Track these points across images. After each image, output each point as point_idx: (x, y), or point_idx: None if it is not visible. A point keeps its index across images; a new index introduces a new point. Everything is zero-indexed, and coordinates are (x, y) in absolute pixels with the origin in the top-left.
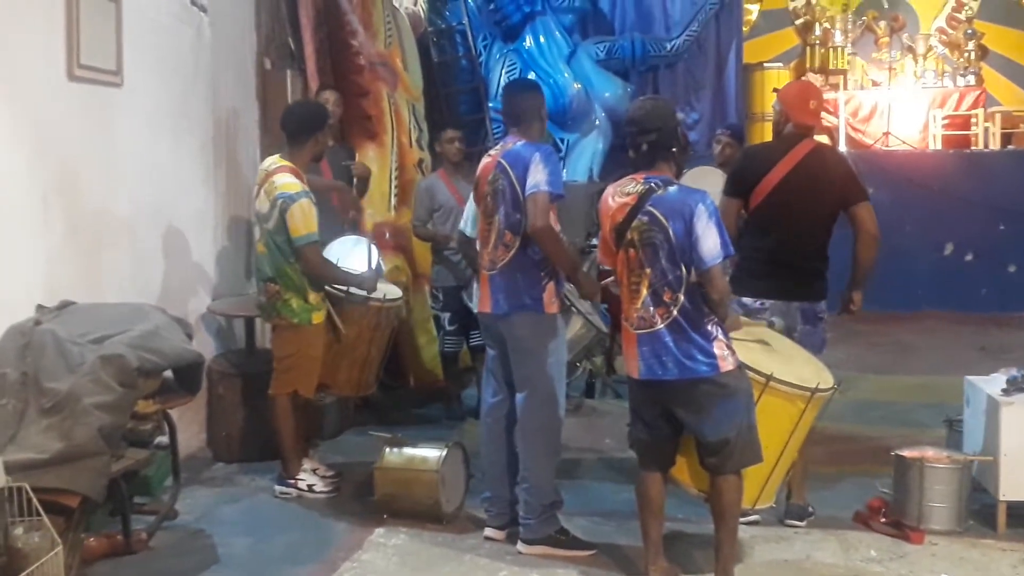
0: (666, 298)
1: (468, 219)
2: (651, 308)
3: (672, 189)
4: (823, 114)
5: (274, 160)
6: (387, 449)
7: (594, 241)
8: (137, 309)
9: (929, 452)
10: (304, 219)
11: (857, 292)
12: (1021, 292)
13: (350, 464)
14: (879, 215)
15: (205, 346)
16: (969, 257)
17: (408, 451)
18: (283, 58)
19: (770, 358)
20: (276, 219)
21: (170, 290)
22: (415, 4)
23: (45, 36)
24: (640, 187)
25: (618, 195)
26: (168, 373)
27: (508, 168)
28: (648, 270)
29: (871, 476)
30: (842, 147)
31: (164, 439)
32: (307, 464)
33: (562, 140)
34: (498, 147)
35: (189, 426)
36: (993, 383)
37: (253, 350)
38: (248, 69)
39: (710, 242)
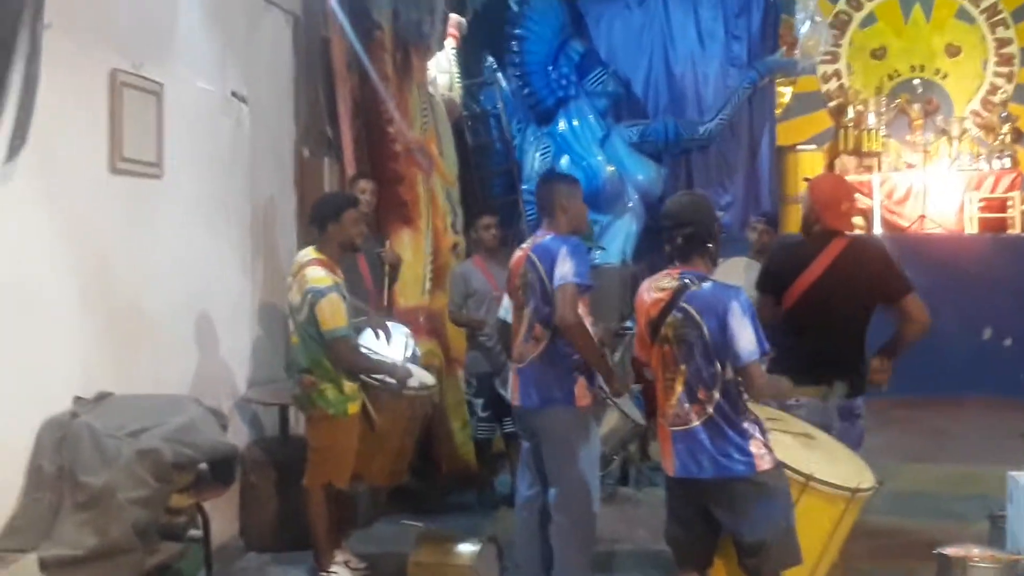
0: (701, 395)
1: (509, 307)
2: (686, 405)
3: (706, 285)
4: (857, 195)
5: (307, 253)
6: (421, 542)
7: (628, 323)
8: (173, 401)
9: (973, 550)
10: (333, 313)
11: (885, 360)
12: None
13: (383, 555)
14: None
15: (239, 434)
16: (1008, 342)
17: (442, 545)
18: (320, 147)
19: (810, 456)
20: (307, 312)
21: (205, 379)
22: (451, 90)
23: (88, 130)
24: (675, 283)
25: (653, 290)
26: (203, 465)
27: (537, 262)
28: (683, 367)
29: (913, 573)
30: (877, 229)
31: (197, 532)
32: (339, 556)
33: (595, 222)
34: (529, 240)
35: (222, 515)
36: None
37: (287, 438)
38: (286, 158)
39: (745, 339)
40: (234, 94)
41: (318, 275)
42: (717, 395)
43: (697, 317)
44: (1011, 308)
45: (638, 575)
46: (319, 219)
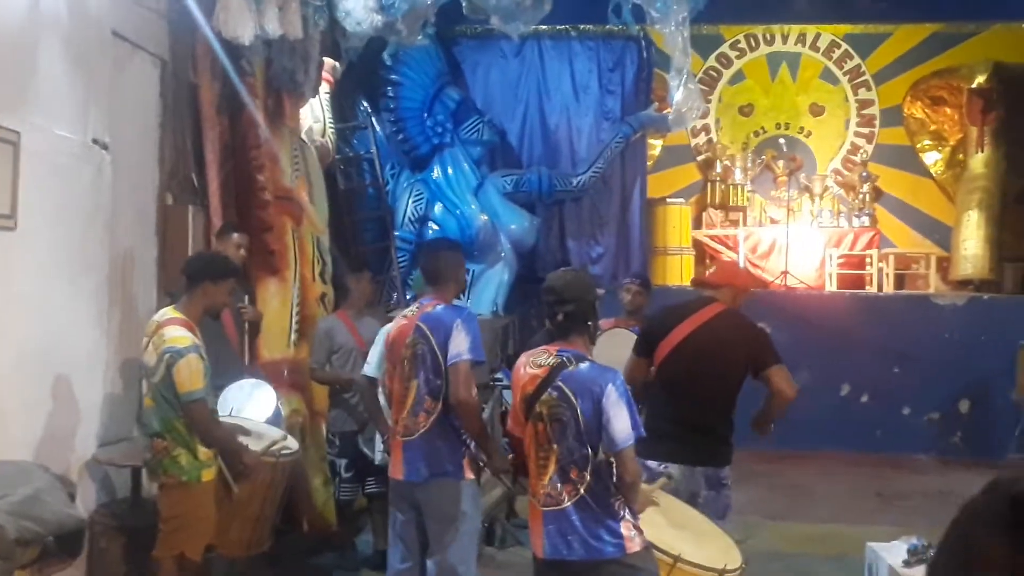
0: (573, 475)
1: (372, 362)
2: (558, 485)
3: (583, 366)
4: (723, 248)
5: (165, 312)
6: None
7: (499, 375)
8: (18, 469)
9: None
10: (191, 375)
11: (758, 429)
12: (914, 434)
13: None
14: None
15: (88, 494)
16: (865, 398)
17: None
18: (185, 193)
19: (678, 535)
20: (163, 373)
21: (55, 435)
22: (323, 135)
23: None
24: (552, 359)
25: (530, 365)
26: (49, 539)
27: (429, 333)
28: (556, 446)
29: None
30: None
31: None
32: None
33: (468, 270)
34: (414, 308)
35: None
36: (895, 552)
37: (139, 501)
38: (149, 205)
39: (620, 423)
40: (95, 141)
41: (177, 335)
42: (588, 476)
43: (572, 397)
44: (868, 366)
45: None
46: (197, 276)
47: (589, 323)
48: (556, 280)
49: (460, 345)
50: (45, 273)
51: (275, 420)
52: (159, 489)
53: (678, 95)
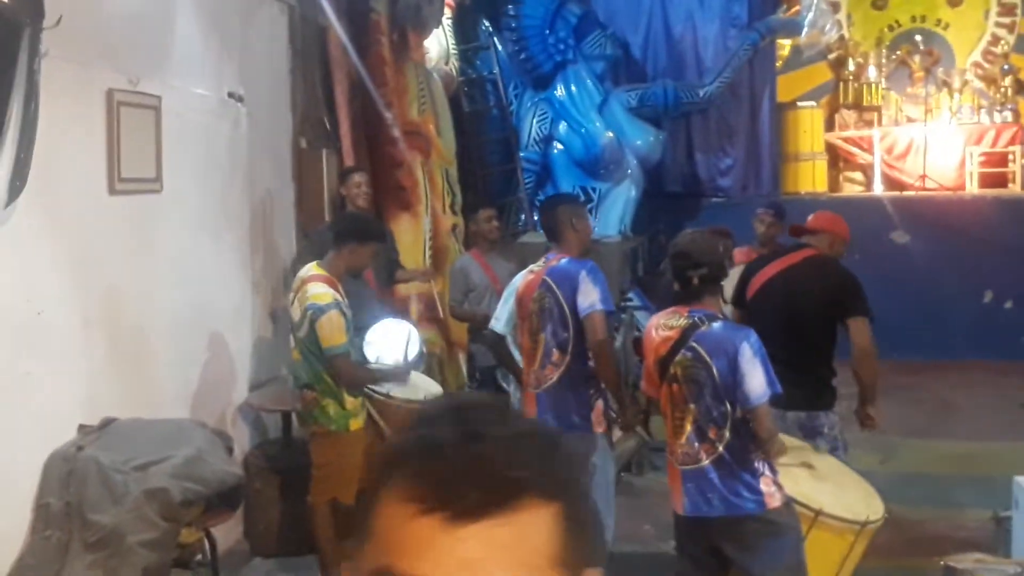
0: (711, 434)
1: (502, 318)
2: (696, 444)
3: (716, 325)
4: (857, 151)
5: (309, 268)
6: None
7: (630, 295)
8: (179, 428)
9: (977, 559)
10: (332, 331)
11: (868, 408)
12: None
13: None
14: (917, 262)
15: (242, 438)
16: (1009, 304)
17: None
18: (318, 136)
19: (819, 488)
20: (307, 328)
21: (208, 387)
22: (447, 63)
23: (86, 154)
24: (684, 321)
25: (662, 328)
26: None
27: (554, 286)
28: (692, 406)
29: (919, 572)
30: (878, 186)
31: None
32: (346, 571)
33: (594, 189)
34: (540, 263)
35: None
36: None
37: (290, 442)
38: (284, 151)
39: (755, 381)
40: (231, 95)
41: (319, 291)
42: (727, 434)
43: (707, 357)
44: (1012, 271)
45: None
46: (344, 235)
47: (721, 283)
48: (685, 243)
49: (590, 296)
50: (191, 231)
51: (417, 360)
52: (309, 437)
53: (808, 15)
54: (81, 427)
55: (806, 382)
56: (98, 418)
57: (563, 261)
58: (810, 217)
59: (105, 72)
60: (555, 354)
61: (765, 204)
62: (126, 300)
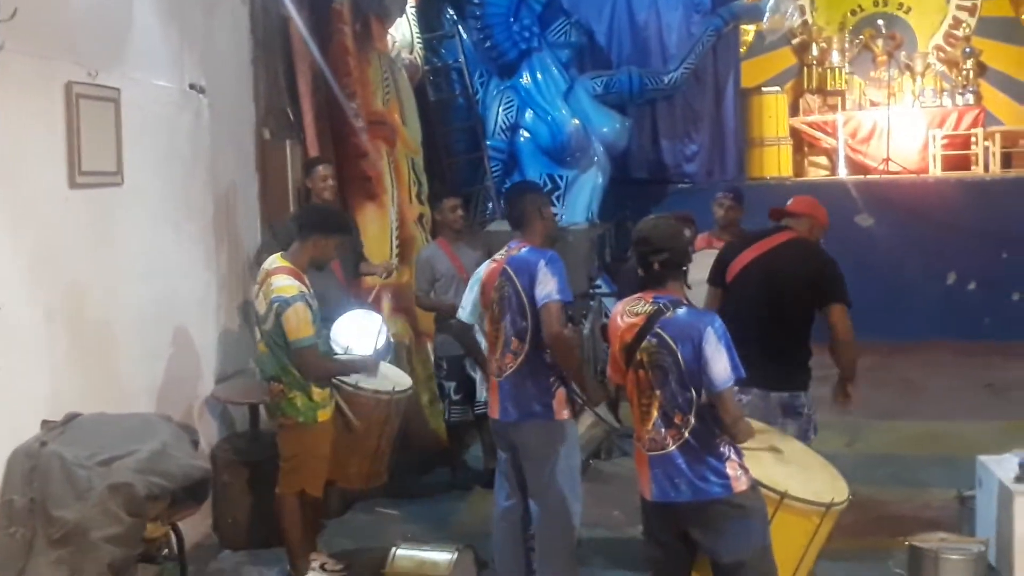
0: (677, 420)
1: (467, 307)
2: (662, 430)
3: (681, 311)
4: (822, 135)
5: (274, 260)
6: (395, 551)
7: (598, 282)
8: (144, 422)
9: (941, 538)
10: (299, 323)
11: (845, 388)
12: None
13: (358, 551)
14: (881, 245)
15: (209, 430)
16: (972, 286)
17: (417, 554)
18: (282, 127)
19: (784, 470)
20: (273, 321)
21: (174, 380)
22: (411, 52)
23: (46, 147)
24: (649, 307)
25: (627, 315)
26: None
27: (513, 275)
28: (658, 392)
29: (884, 552)
30: (842, 170)
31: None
32: (315, 560)
33: (561, 177)
34: (503, 252)
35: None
36: (1006, 466)
37: (258, 435)
38: (247, 142)
39: (720, 366)
40: (192, 86)
41: (284, 284)
42: (693, 419)
43: (672, 343)
44: (975, 253)
45: (615, 569)
46: (308, 227)
47: (684, 268)
48: (647, 229)
49: (547, 286)
50: (154, 224)
51: (386, 351)
52: (277, 429)
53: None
54: (44, 423)
55: (787, 362)
56: (62, 413)
57: (524, 250)
58: (790, 201)
59: (64, 65)
60: (514, 343)
61: (724, 188)
62: (89, 294)
